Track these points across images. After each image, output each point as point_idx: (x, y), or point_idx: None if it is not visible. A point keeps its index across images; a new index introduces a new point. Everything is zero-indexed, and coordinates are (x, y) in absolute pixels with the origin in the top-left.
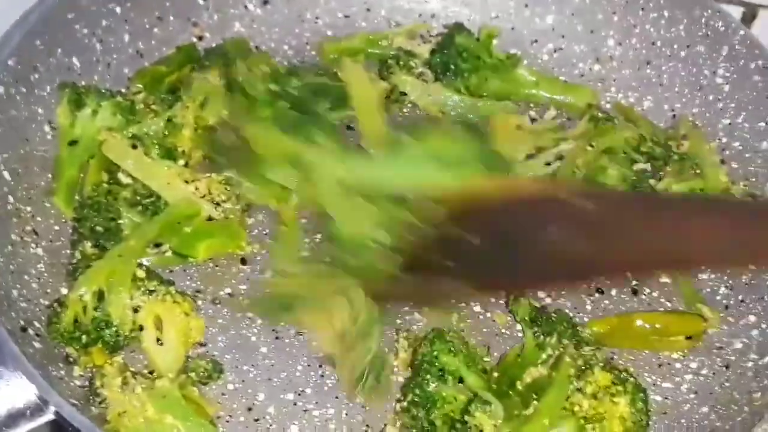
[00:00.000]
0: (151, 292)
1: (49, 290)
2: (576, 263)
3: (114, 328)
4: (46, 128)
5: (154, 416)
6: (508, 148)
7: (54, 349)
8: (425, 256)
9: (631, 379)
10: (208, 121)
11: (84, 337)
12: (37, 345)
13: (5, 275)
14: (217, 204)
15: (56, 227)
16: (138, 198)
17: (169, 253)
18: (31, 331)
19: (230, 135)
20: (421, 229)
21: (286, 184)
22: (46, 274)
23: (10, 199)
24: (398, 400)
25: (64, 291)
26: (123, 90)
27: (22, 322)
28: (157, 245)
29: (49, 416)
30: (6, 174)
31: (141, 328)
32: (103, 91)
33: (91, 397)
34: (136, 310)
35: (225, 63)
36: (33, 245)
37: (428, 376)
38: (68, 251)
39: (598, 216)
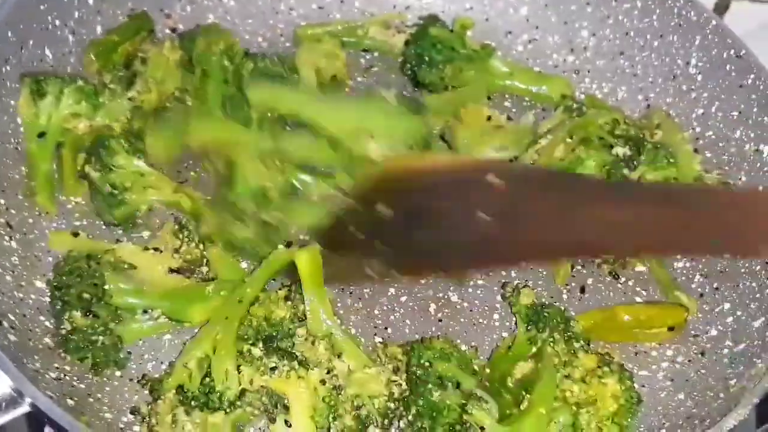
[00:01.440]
0: (272, 369)
1: (23, 283)
2: (492, 245)
3: (217, 394)
4: (19, 120)
5: None
6: (472, 138)
7: (29, 342)
8: (342, 230)
9: (615, 359)
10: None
11: (192, 402)
12: (12, 338)
13: None
14: (176, 251)
15: (30, 220)
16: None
17: (162, 319)
18: (5, 324)
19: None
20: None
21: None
22: (20, 267)
23: None
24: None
25: (39, 284)
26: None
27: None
28: (146, 311)
29: (24, 408)
30: None
31: (243, 393)
32: (64, 76)
33: None
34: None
35: (187, 38)
36: (6, 238)
37: (429, 386)
38: (42, 319)
39: (512, 197)
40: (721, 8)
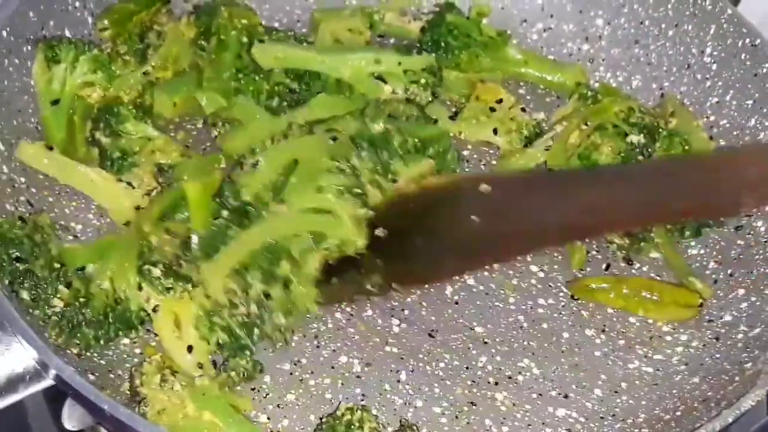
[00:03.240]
0: (168, 289)
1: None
2: (484, 243)
3: (123, 304)
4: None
5: (193, 413)
6: (476, 116)
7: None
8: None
9: None
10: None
11: (111, 316)
12: (36, 314)
13: None
14: (147, 194)
15: (50, 199)
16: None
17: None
18: (26, 297)
19: None
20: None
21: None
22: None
23: (5, 169)
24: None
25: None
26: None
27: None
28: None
29: (47, 382)
30: (0, 145)
31: (155, 310)
32: (77, 42)
33: (131, 396)
34: (155, 310)
35: (204, 12)
36: (27, 216)
37: None
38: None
39: (500, 201)
40: None
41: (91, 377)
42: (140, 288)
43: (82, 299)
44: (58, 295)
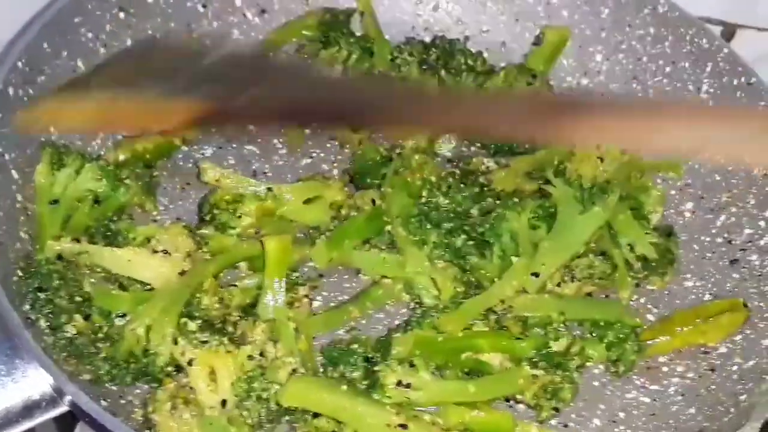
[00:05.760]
0: (204, 342)
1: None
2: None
3: (152, 356)
4: (51, 129)
5: None
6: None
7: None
8: None
9: None
10: None
11: (133, 365)
12: (48, 339)
13: (16, 272)
14: (189, 255)
15: None
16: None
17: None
18: (42, 324)
19: None
20: None
21: None
22: None
23: (19, 197)
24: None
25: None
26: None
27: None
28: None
29: (62, 408)
30: (14, 173)
31: (190, 363)
32: (85, 154)
33: (144, 423)
34: (190, 363)
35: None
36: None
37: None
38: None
39: None
40: (727, 36)
41: (104, 403)
42: (176, 342)
43: (101, 335)
44: (72, 323)
